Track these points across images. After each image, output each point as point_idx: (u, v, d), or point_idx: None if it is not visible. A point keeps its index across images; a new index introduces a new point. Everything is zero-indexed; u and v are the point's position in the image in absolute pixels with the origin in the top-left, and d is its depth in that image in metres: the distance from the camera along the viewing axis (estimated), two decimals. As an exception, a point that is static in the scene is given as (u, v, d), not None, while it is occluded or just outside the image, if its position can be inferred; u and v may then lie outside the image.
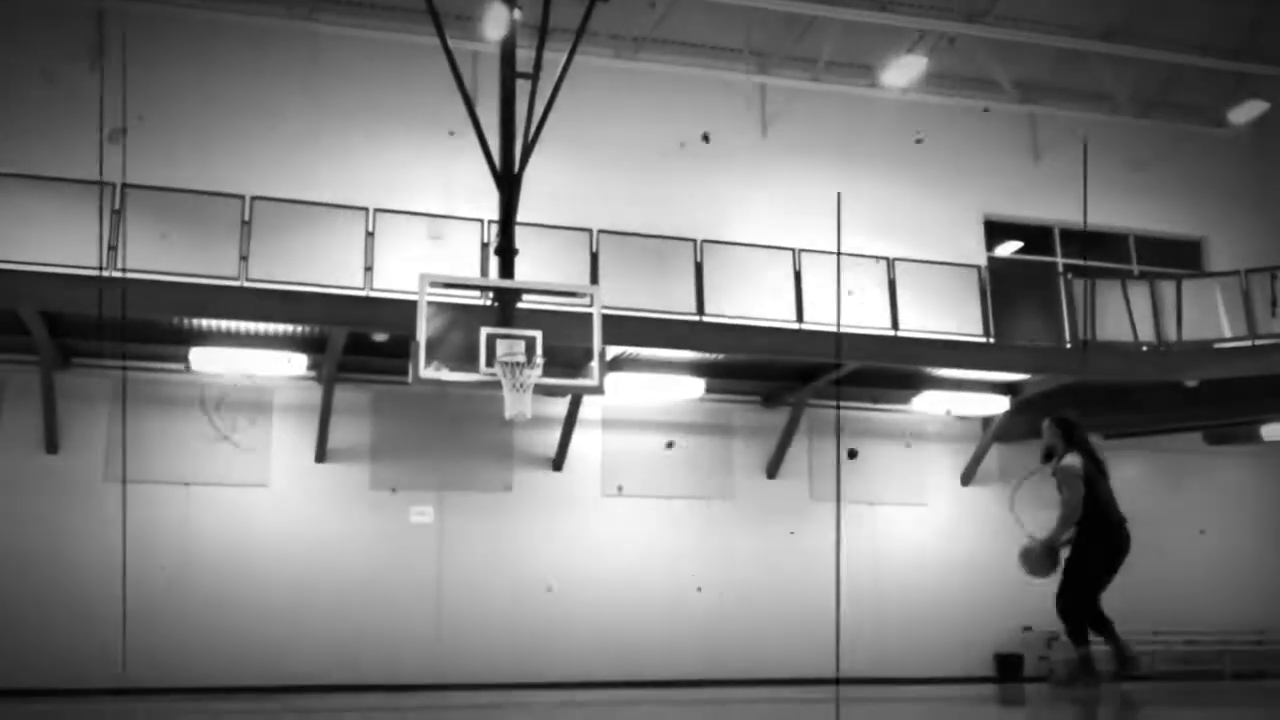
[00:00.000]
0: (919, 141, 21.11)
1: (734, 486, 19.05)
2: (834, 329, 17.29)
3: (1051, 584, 10.34)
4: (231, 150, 18.10)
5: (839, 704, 10.06)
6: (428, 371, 12.36)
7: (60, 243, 15.30)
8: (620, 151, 19.81)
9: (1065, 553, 10.18)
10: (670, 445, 18.73)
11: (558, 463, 18.37)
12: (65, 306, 15.12)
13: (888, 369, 18.10)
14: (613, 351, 15.99)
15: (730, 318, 17.41)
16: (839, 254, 16.36)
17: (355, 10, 19.33)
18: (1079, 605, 10.26)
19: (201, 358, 16.51)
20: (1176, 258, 22.26)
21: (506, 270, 13.75)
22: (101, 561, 16.05)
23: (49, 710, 12.34)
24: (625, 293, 16.31)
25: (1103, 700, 9.85)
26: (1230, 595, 20.11)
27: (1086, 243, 20.22)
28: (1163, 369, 18.38)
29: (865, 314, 18.00)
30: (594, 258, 17.18)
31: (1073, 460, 10.29)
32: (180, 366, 16.74)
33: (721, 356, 17.65)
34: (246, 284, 15.89)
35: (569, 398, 17.48)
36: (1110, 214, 20.66)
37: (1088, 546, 10.19)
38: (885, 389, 18.90)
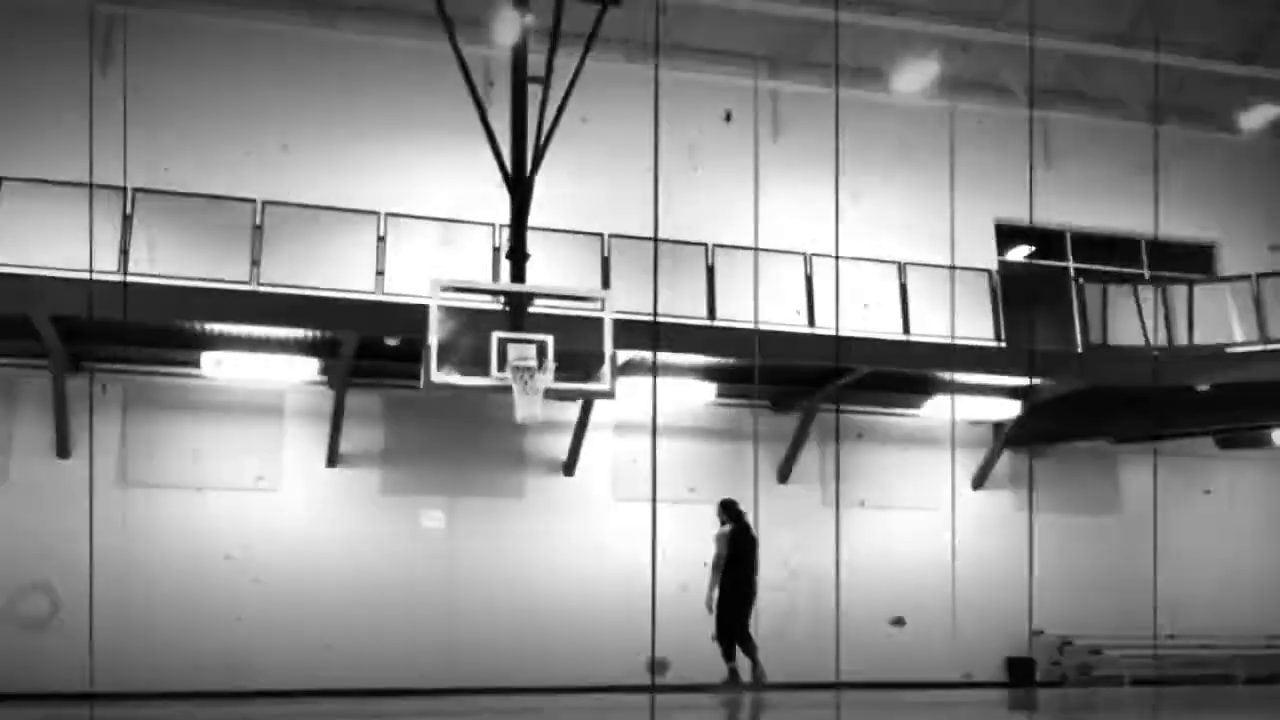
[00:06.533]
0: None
1: (745, 491, 18.93)
2: (846, 334, 17.30)
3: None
4: (244, 155, 18.12)
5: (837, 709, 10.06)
6: (439, 376, 12.32)
7: (72, 247, 15.31)
8: (632, 156, 19.74)
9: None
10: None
11: (569, 468, 18.36)
12: (76, 311, 15.13)
13: (899, 373, 18.06)
14: (624, 356, 15.96)
15: (742, 322, 17.37)
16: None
17: (368, 16, 19.33)
18: (724, 632, 14.68)
19: (213, 362, 16.55)
20: (1188, 262, 22.20)
21: (518, 274, 13.72)
22: (114, 566, 16.13)
23: (56, 715, 12.37)
24: (637, 297, 16.28)
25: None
26: (1243, 599, 20.02)
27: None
28: (1174, 373, 18.31)
29: (877, 318, 17.97)
30: (605, 262, 17.17)
31: (724, 530, 15.21)
32: (192, 371, 16.76)
33: (733, 361, 17.63)
34: (259, 288, 15.92)
35: (580, 402, 17.47)
36: (1122, 218, 20.65)
37: (725, 592, 14.80)
38: (897, 393, 18.87)
